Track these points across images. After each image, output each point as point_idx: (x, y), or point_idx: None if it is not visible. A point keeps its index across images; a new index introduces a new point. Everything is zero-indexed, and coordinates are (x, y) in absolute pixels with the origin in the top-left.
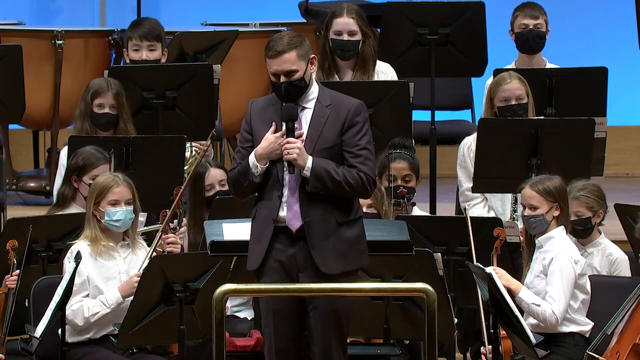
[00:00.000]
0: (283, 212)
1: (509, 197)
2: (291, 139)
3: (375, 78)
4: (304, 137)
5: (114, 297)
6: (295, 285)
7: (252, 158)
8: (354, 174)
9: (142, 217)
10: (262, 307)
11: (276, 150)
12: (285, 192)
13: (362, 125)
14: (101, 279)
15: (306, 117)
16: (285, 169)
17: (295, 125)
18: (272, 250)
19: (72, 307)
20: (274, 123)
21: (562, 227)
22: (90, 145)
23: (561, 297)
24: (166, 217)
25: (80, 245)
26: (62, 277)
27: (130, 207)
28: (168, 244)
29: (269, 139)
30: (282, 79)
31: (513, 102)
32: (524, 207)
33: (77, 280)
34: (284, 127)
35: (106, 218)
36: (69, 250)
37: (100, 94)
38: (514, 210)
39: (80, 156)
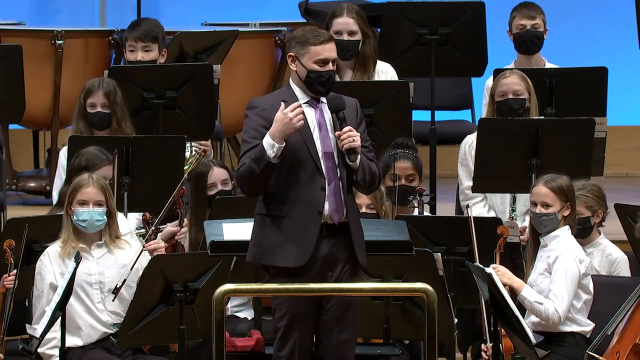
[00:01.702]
0: (325, 206)
1: (508, 195)
2: (351, 127)
3: (376, 78)
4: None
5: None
6: (295, 285)
7: (266, 139)
8: (376, 168)
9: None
10: (283, 312)
11: (289, 125)
12: (326, 184)
13: (364, 121)
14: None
15: (326, 110)
16: (320, 159)
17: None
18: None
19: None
20: (282, 103)
21: (567, 227)
22: (93, 146)
23: (564, 296)
24: (147, 222)
25: (52, 248)
26: (35, 283)
27: (100, 209)
28: (152, 250)
29: (278, 117)
30: (330, 66)
31: (509, 97)
32: (535, 205)
33: (40, 285)
34: (298, 104)
35: (74, 218)
36: (43, 253)
37: (91, 92)
38: (513, 210)
39: (84, 157)
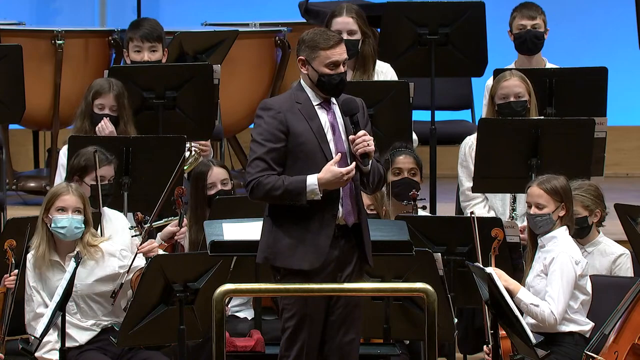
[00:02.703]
0: (340, 208)
1: (509, 196)
2: (365, 131)
3: (375, 78)
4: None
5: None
6: (295, 285)
7: (313, 184)
8: (382, 169)
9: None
10: (293, 313)
11: (340, 183)
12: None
13: (370, 122)
14: (46, 292)
15: (337, 112)
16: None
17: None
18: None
19: (31, 322)
20: (339, 154)
21: (565, 228)
22: (92, 146)
23: (560, 297)
24: (140, 221)
25: (30, 255)
26: (25, 285)
27: (79, 217)
28: (146, 252)
29: (334, 172)
30: (341, 68)
31: (511, 99)
32: (530, 206)
33: (28, 290)
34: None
35: (52, 225)
36: (27, 260)
37: (101, 94)
38: (513, 210)
39: (83, 157)
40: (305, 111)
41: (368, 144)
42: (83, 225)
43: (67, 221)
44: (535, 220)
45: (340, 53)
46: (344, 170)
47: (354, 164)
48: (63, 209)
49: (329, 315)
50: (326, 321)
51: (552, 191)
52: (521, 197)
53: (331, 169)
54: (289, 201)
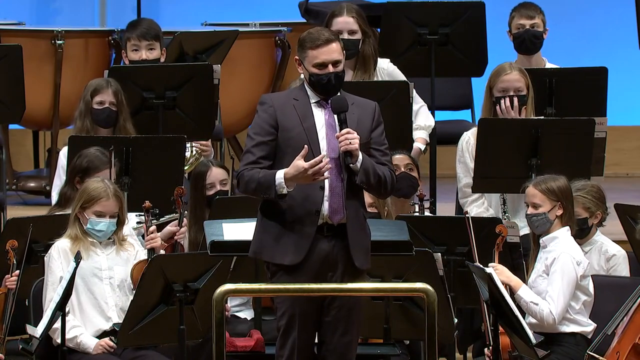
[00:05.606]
0: (325, 205)
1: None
2: (350, 129)
3: (377, 76)
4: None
5: (87, 345)
6: (295, 285)
7: (280, 178)
8: (387, 172)
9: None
10: (283, 311)
11: (305, 178)
12: (326, 183)
13: (383, 126)
14: (80, 277)
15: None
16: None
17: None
18: (311, 247)
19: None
20: (305, 146)
21: (566, 228)
22: (95, 147)
23: (560, 298)
24: (148, 209)
25: (62, 243)
26: (45, 275)
27: (114, 220)
28: (148, 241)
29: (298, 167)
30: (330, 69)
31: (511, 94)
32: (527, 206)
33: (52, 279)
34: (322, 156)
35: (89, 226)
36: (51, 248)
37: (100, 91)
38: (504, 212)
39: (85, 158)
40: (300, 108)
41: (350, 142)
42: (116, 226)
43: (104, 225)
44: (532, 220)
45: (328, 53)
46: (306, 164)
47: (321, 157)
48: (101, 214)
49: (324, 316)
50: (323, 322)
51: (547, 191)
52: (511, 197)
53: (295, 163)
54: (263, 194)
